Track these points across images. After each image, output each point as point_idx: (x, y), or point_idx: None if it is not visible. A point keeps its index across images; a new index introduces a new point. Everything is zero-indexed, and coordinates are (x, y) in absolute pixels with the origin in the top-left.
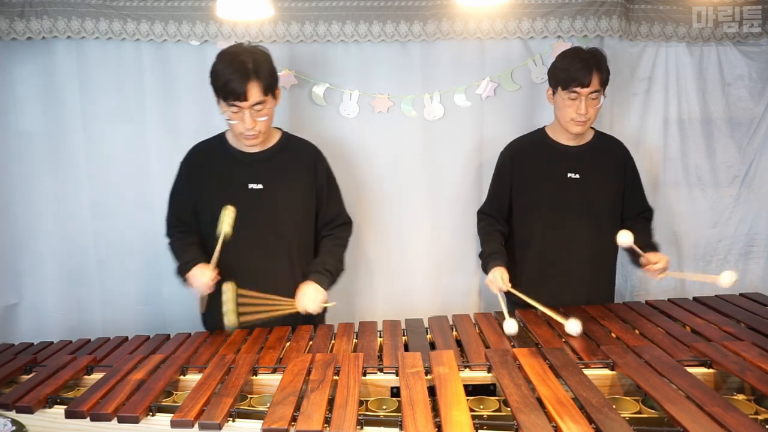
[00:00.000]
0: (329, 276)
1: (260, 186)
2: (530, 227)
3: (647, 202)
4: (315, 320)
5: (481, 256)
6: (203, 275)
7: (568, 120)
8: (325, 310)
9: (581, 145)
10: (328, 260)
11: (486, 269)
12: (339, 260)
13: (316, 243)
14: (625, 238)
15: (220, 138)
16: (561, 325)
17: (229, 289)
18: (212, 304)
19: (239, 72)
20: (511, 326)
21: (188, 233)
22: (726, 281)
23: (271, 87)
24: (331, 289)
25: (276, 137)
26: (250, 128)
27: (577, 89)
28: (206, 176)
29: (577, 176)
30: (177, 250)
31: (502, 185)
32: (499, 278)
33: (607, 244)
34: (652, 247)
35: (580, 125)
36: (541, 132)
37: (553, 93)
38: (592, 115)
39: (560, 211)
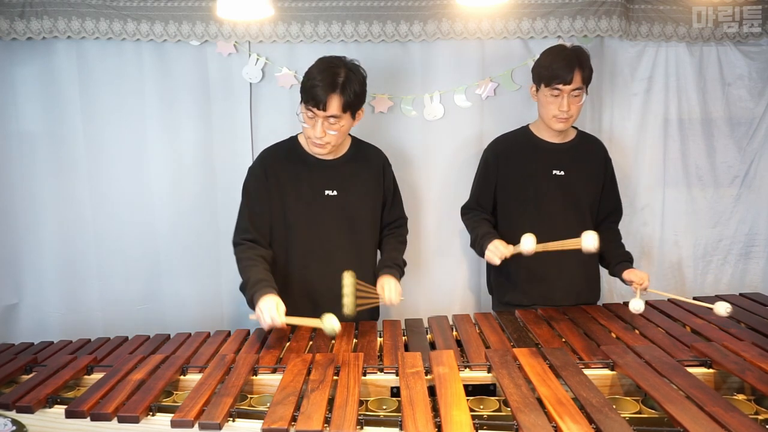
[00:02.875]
0: (399, 270)
1: (335, 192)
2: (516, 225)
3: (620, 201)
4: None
5: (473, 241)
6: (274, 313)
7: (550, 117)
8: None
9: (565, 142)
10: (397, 256)
11: (483, 248)
12: (403, 255)
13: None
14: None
15: (293, 142)
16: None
17: (350, 281)
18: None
19: (327, 81)
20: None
21: (258, 243)
22: (722, 311)
23: (351, 106)
24: None
25: (347, 143)
26: (319, 137)
27: (560, 86)
28: (284, 181)
29: (562, 173)
30: (244, 262)
31: (487, 182)
32: (500, 246)
33: None
34: (628, 260)
35: (562, 122)
36: (525, 129)
37: (537, 90)
38: (574, 112)
39: (545, 208)
